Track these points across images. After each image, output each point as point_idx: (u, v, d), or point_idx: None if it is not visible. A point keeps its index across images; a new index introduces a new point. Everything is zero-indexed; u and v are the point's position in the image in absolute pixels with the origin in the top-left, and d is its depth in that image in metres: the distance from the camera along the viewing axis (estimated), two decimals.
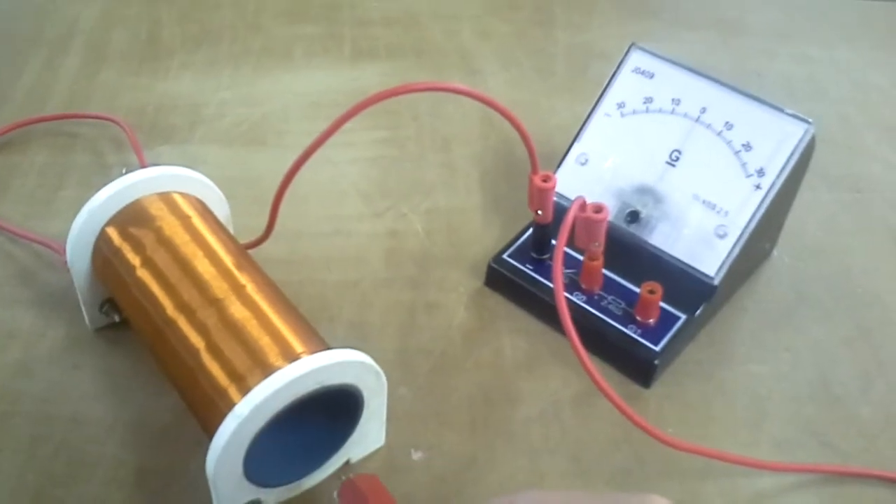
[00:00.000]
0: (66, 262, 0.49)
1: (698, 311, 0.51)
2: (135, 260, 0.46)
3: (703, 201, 0.51)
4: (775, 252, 0.58)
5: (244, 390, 0.39)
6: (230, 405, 0.39)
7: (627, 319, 0.51)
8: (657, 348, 0.50)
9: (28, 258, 0.57)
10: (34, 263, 0.56)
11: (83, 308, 0.51)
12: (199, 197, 0.50)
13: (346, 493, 0.41)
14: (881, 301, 0.56)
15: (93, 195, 0.48)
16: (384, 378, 0.43)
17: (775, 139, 0.50)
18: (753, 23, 0.81)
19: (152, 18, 0.79)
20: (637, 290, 0.51)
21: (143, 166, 0.62)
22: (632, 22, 0.81)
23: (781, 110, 0.51)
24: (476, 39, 0.78)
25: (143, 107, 0.69)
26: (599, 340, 0.50)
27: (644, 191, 0.53)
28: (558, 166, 0.56)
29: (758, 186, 0.50)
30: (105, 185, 0.48)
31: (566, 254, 0.52)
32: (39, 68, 0.73)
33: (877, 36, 0.80)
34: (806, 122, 0.50)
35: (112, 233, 0.47)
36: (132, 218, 0.47)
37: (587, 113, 0.57)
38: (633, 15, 0.82)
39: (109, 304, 0.50)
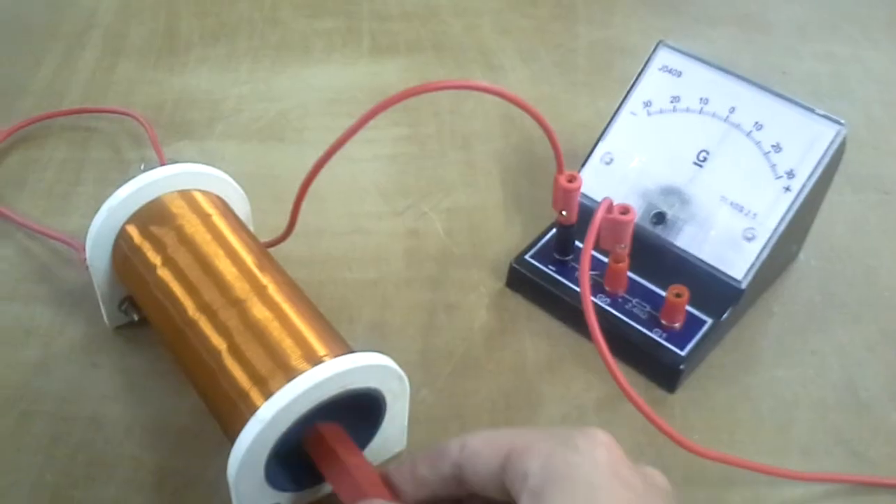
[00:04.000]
0: (84, 259, 0.49)
1: (725, 315, 0.50)
2: (155, 259, 0.45)
3: (731, 203, 0.51)
4: (801, 254, 0.57)
5: (267, 394, 0.38)
6: (252, 408, 0.38)
7: (652, 323, 0.50)
8: (683, 353, 0.49)
9: (46, 254, 0.56)
10: (52, 260, 0.56)
11: (102, 306, 0.50)
12: (220, 194, 0.50)
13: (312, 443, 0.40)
14: None
15: (112, 192, 0.48)
16: (407, 382, 0.42)
17: (806, 140, 0.49)
18: (777, 19, 0.80)
19: (170, 11, 0.78)
20: (662, 292, 0.50)
21: (162, 162, 0.61)
22: (654, 17, 0.80)
23: (812, 111, 0.50)
24: (496, 35, 0.77)
25: (161, 101, 0.68)
26: (624, 344, 0.49)
27: (671, 192, 0.52)
28: (583, 165, 0.55)
29: (787, 188, 0.49)
30: (124, 180, 0.48)
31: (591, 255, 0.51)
32: (57, 62, 0.72)
33: None
34: (838, 123, 0.49)
35: (132, 231, 0.47)
36: (153, 216, 0.47)
37: (610, 110, 0.56)
38: (656, 10, 0.81)
39: (129, 302, 0.50)
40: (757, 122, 0.51)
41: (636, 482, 0.34)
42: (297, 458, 0.40)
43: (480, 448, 0.36)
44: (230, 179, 0.50)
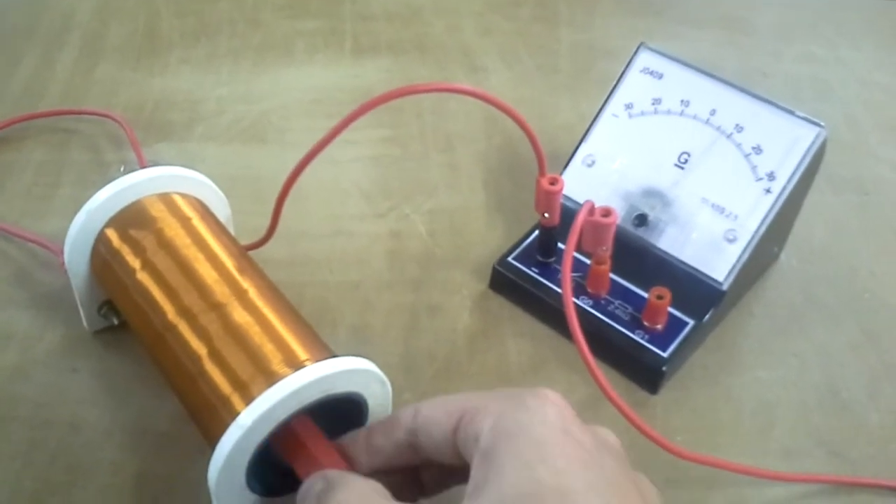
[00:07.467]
0: (62, 263, 0.48)
1: (707, 317, 0.50)
2: (135, 263, 0.45)
3: (712, 205, 0.51)
4: (782, 255, 0.57)
5: (247, 399, 0.38)
6: (233, 414, 0.38)
7: (635, 325, 0.50)
8: (665, 354, 0.49)
9: (24, 258, 0.56)
10: (30, 263, 0.55)
11: (81, 310, 0.50)
12: (200, 197, 0.49)
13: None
14: (888, 305, 0.55)
15: (91, 195, 0.47)
16: (389, 386, 0.42)
17: (786, 142, 0.50)
18: (758, 22, 0.80)
19: (149, 11, 0.78)
20: (644, 294, 0.51)
21: (142, 165, 0.61)
22: (636, 19, 0.80)
23: (792, 113, 0.50)
24: (478, 36, 0.77)
25: (141, 103, 0.68)
26: (606, 346, 0.49)
27: (652, 193, 0.52)
28: (564, 167, 0.55)
29: (768, 190, 0.50)
30: (103, 183, 0.47)
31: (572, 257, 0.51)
32: (35, 63, 0.71)
33: (881, 36, 0.80)
34: (818, 125, 0.49)
35: (111, 234, 0.46)
36: (132, 219, 0.46)
37: (591, 112, 0.56)
38: (637, 12, 0.81)
39: (108, 306, 0.49)
40: (738, 125, 0.51)
41: (586, 439, 0.34)
42: (278, 462, 0.40)
43: (433, 413, 0.37)
44: (210, 182, 0.50)
